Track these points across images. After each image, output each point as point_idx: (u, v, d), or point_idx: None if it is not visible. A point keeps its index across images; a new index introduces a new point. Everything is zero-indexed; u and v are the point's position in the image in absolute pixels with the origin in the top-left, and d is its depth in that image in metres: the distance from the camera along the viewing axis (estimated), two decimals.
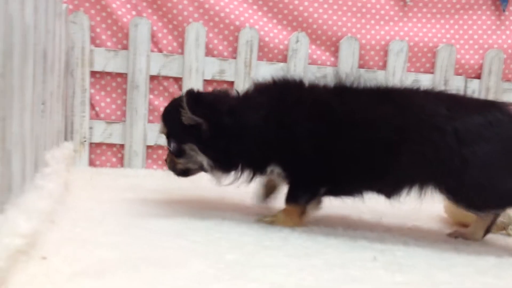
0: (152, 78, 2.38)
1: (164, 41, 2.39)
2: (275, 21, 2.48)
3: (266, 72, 2.32)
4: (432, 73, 2.56)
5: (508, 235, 1.66)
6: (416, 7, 2.57)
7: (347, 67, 2.47)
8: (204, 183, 1.66)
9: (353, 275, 1.11)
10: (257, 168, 1.55)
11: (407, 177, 1.47)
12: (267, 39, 2.45)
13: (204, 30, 2.38)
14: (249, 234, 1.39)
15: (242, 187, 1.68)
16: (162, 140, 1.58)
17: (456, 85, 2.54)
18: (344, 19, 2.51)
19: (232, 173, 1.56)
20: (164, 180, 2.08)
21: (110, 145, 2.39)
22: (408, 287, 1.08)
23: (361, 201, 1.55)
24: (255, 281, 1.03)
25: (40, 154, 1.48)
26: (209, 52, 2.42)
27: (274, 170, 1.53)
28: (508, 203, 1.46)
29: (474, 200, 1.44)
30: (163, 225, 1.41)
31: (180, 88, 2.38)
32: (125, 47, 2.35)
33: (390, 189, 1.50)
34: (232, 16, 2.42)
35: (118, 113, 2.39)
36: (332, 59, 2.51)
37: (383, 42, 2.52)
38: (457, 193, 1.43)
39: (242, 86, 2.32)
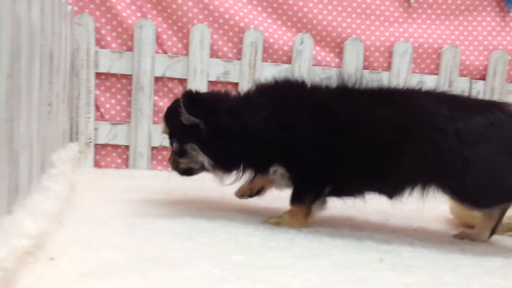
0: (157, 79, 2.39)
1: (169, 43, 2.40)
2: (279, 22, 2.48)
3: (271, 73, 2.31)
4: (436, 74, 2.56)
5: None
6: (421, 9, 2.57)
7: (351, 68, 2.47)
8: (209, 184, 1.66)
9: (359, 276, 1.11)
10: (259, 168, 1.55)
11: (409, 177, 1.47)
12: (271, 40, 2.45)
13: (208, 31, 2.38)
14: (255, 235, 1.39)
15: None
16: (167, 141, 1.59)
17: (460, 87, 2.55)
18: (349, 20, 2.51)
19: (234, 172, 1.57)
20: (169, 181, 2.08)
21: (115, 146, 2.40)
22: None
23: (363, 201, 1.56)
24: (261, 282, 1.02)
25: (47, 155, 1.48)
26: (213, 54, 2.43)
27: (277, 171, 1.53)
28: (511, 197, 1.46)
29: (478, 199, 1.44)
30: (169, 226, 1.41)
31: (184, 89, 2.38)
32: (130, 49, 2.35)
33: (392, 190, 1.50)
34: (237, 18, 2.42)
35: (123, 114, 2.39)
36: (337, 60, 2.51)
37: (387, 44, 2.52)
38: (460, 192, 1.44)
39: (246, 87, 2.31)
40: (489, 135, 1.41)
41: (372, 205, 1.66)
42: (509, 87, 2.59)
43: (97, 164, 2.38)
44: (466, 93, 2.51)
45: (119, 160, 2.40)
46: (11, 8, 0.99)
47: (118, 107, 2.39)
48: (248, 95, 1.61)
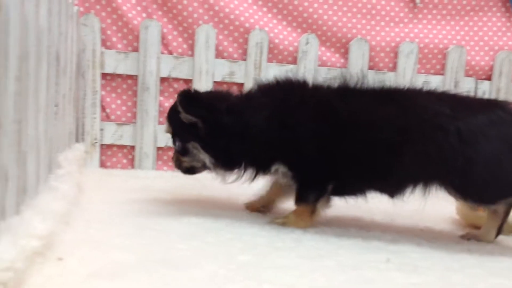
0: (163, 80, 2.39)
1: (174, 43, 2.40)
2: (285, 23, 2.49)
3: (276, 73, 2.30)
4: (442, 74, 2.55)
5: None
6: (426, 9, 2.57)
7: (357, 68, 2.47)
8: (214, 184, 1.66)
9: (366, 277, 1.11)
10: (260, 167, 1.56)
11: (411, 176, 1.48)
12: (277, 41, 2.45)
13: (214, 32, 2.38)
14: (261, 235, 1.39)
15: (252, 189, 1.69)
16: (171, 141, 1.62)
17: (466, 87, 2.54)
18: (354, 20, 2.51)
19: (235, 171, 1.58)
20: (174, 181, 2.09)
21: (121, 147, 2.40)
22: None
23: (366, 201, 1.56)
24: (268, 282, 1.03)
25: (53, 155, 1.49)
26: (219, 54, 2.43)
27: (279, 169, 1.54)
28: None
29: (481, 195, 1.46)
30: (175, 226, 1.41)
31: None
32: (136, 49, 2.36)
33: (393, 189, 1.51)
34: (242, 18, 2.42)
35: (129, 114, 2.40)
36: (342, 60, 2.51)
37: (393, 44, 2.52)
38: (463, 190, 1.45)
39: None
40: (490, 133, 1.42)
41: (378, 206, 1.66)
42: None
43: (103, 165, 2.39)
44: (471, 93, 2.51)
45: (124, 161, 2.41)
46: (19, 10, 1.00)
47: (124, 108, 2.39)
48: (250, 94, 1.63)
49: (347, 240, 1.42)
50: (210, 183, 1.71)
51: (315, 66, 2.46)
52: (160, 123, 2.39)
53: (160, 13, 2.38)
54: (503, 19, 2.60)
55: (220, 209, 1.66)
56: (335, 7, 2.50)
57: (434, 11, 2.57)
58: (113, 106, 2.38)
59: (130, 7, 2.34)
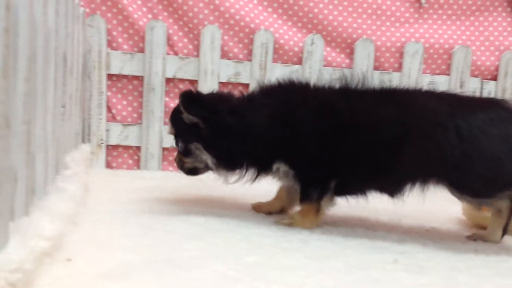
0: (168, 80, 2.40)
1: (180, 44, 2.40)
2: (290, 23, 2.49)
3: (281, 74, 2.31)
4: (448, 75, 2.55)
5: None
6: (432, 9, 2.57)
7: (362, 69, 2.47)
8: (220, 185, 1.67)
9: (373, 277, 1.11)
10: (262, 167, 1.57)
11: (411, 173, 1.49)
12: (282, 41, 2.45)
13: (219, 32, 2.39)
14: (268, 236, 1.40)
15: (258, 190, 1.70)
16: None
17: (472, 87, 2.54)
18: (359, 21, 2.51)
19: (237, 171, 1.59)
20: (180, 182, 2.09)
21: (127, 147, 2.41)
22: None
23: (367, 201, 1.57)
24: (275, 283, 1.03)
25: (60, 156, 1.50)
26: (224, 55, 2.43)
27: (280, 168, 1.55)
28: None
29: (478, 189, 1.46)
30: (182, 227, 1.42)
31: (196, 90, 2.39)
32: (141, 50, 2.36)
33: (393, 186, 1.52)
34: (247, 19, 2.42)
35: (135, 115, 2.41)
36: (347, 61, 2.51)
37: (398, 44, 2.52)
38: (460, 185, 1.46)
39: None
40: (489, 130, 1.43)
41: (383, 206, 1.66)
42: None
43: (108, 165, 2.39)
44: (477, 94, 2.52)
45: (130, 161, 2.41)
46: (28, 11, 1.01)
47: (130, 108, 2.40)
48: (252, 96, 1.65)
49: (354, 241, 1.42)
50: (215, 183, 1.72)
51: (320, 67, 2.46)
52: (165, 123, 2.39)
53: (165, 14, 2.38)
54: (509, 19, 2.59)
55: (226, 210, 1.67)
56: (341, 8, 2.50)
57: (440, 11, 2.57)
58: (119, 106, 2.39)
59: (136, 8, 2.35)
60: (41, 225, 1.00)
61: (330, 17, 2.48)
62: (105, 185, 1.96)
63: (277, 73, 2.38)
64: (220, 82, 2.42)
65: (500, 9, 2.59)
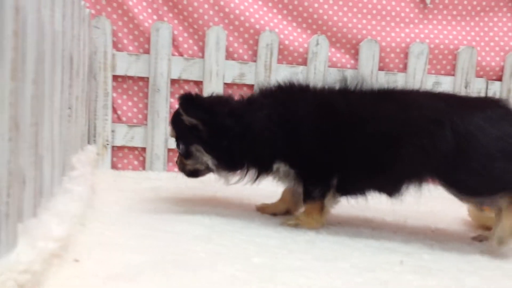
0: (173, 81, 2.40)
1: (185, 45, 2.41)
2: (294, 24, 2.49)
3: (286, 75, 2.31)
4: (453, 75, 2.55)
5: None
6: (437, 9, 2.56)
7: (367, 69, 2.47)
8: (225, 186, 1.67)
9: (382, 279, 1.11)
10: (262, 167, 1.58)
11: (408, 170, 1.50)
12: (287, 42, 2.45)
13: (224, 33, 2.39)
14: (275, 237, 1.40)
15: (264, 190, 1.70)
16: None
17: (477, 88, 2.54)
18: (364, 21, 2.51)
19: (238, 172, 1.60)
20: (185, 183, 2.08)
21: (132, 148, 2.41)
22: None
23: (365, 200, 1.57)
24: (284, 284, 1.04)
25: (67, 158, 1.50)
26: (229, 56, 2.43)
27: (280, 168, 1.56)
28: (506, 185, 1.45)
29: (474, 187, 1.45)
30: (189, 228, 1.42)
31: (200, 91, 2.39)
32: (147, 51, 2.37)
33: (391, 184, 1.52)
34: (252, 20, 2.42)
35: (140, 116, 2.41)
36: (352, 61, 2.51)
37: (403, 45, 2.52)
38: (457, 184, 1.46)
39: None
40: (484, 128, 1.43)
41: (389, 207, 1.65)
42: None
43: (114, 166, 2.40)
44: (482, 94, 2.51)
45: (136, 162, 2.42)
46: (36, 14, 1.01)
47: (135, 110, 2.40)
48: (251, 98, 1.66)
49: (360, 242, 1.42)
50: (220, 184, 1.72)
51: (325, 67, 2.46)
52: None
53: (171, 15, 2.39)
54: None
55: (232, 211, 1.67)
56: (345, 8, 2.50)
57: (445, 12, 2.57)
58: (124, 108, 2.39)
59: (141, 9, 2.35)
60: (49, 226, 1.00)
61: (335, 18, 2.48)
62: (111, 186, 1.96)
63: (282, 74, 2.38)
64: (225, 83, 2.42)
65: (505, 9, 2.59)
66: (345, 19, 2.49)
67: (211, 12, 2.39)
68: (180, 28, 2.40)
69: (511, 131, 1.43)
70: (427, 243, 1.46)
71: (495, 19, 2.59)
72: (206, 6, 2.38)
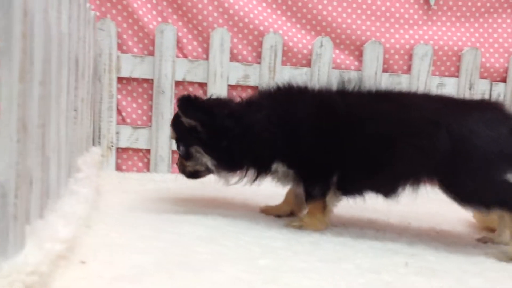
0: (178, 83, 2.41)
1: (189, 47, 2.41)
2: (299, 26, 2.49)
3: (290, 76, 2.31)
4: (457, 76, 2.55)
5: None
6: (441, 11, 2.56)
7: (371, 71, 2.47)
8: (229, 187, 1.68)
9: (386, 281, 1.11)
10: (261, 167, 1.59)
11: (404, 171, 1.50)
12: (291, 44, 2.46)
13: (228, 35, 2.39)
14: (279, 239, 1.40)
15: (268, 191, 1.70)
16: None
17: (481, 89, 2.54)
18: (368, 23, 2.52)
19: (238, 172, 1.62)
20: (189, 184, 2.09)
21: (137, 150, 2.42)
22: None
23: (363, 200, 1.58)
24: (288, 286, 1.04)
25: (73, 159, 1.51)
26: (233, 57, 2.44)
27: (279, 168, 1.57)
28: (501, 199, 1.44)
29: (468, 196, 1.45)
30: (194, 229, 1.42)
31: (205, 93, 2.40)
32: (151, 53, 2.37)
33: (388, 186, 1.52)
34: (256, 22, 2.43)
35: (144, 118, 2.42)
36: (356, 63, 2.51)
37: (407, 46, 2.52)
38: (452, 188, 1.45)
39: None
40: (480, 130, 1.43)
41: (393, 208, 1.66)
42: None
43: (118, 168, 2.40)
44: (486, 96, 2.51)
45: (140, 164, 2.42)
46: (43, 16, 1.01)
47: (140, 111, 2.41)
48: (250, 99, 1.68)
49: (364, 243, 1.42)
50: (224, 186, 1.73)
51: (329, 69, 2.46)
52: None
53: (175, 17, 2.39)
54: None
55: (236, 212, 1.67)
56: (349, 10, 2.50)
57: (449, 13, 2.57)
58: (129, 109, 2.40)
59: (146, 11, 2.36)
60: (56, 228, 1.01)
61: (339, 20, 2.49)
62: (116, 188, 1.97)
63: (286, 76, 2.38)
64: (229, 85, 2.42)
65: (509, 10, 2.59)
66: (349, 21, 2.50)
67: (215, 14, 2.40)
68: (185, 30, 2.40)
69: (505, 133, 1.43)
70: (431, 244, 1.46)
71: (499, 20, 2.59)
72: (210, 8, 2.38)
